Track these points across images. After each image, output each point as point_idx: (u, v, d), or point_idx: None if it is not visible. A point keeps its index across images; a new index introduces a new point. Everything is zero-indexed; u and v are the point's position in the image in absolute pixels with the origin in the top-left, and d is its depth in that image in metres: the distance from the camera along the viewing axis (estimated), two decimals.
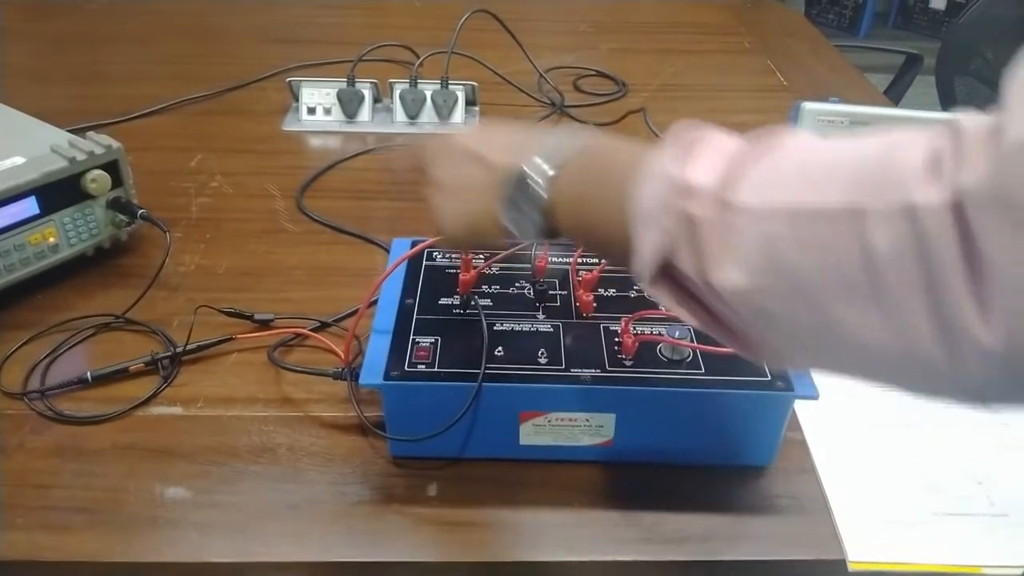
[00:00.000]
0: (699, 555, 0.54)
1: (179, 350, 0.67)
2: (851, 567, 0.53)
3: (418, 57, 1.13)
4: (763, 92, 1.22)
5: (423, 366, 0.57)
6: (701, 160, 0.38)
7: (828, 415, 0.63)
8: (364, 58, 1.08)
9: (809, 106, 0.80)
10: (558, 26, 1.51)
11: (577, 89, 1.22)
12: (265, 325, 0.71)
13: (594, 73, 1.26)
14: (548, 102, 1.15)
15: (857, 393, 0.65)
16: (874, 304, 0.32)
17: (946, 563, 0.53)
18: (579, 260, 0.66)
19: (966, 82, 1.47)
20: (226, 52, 1.37)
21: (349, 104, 1.08)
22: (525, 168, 0.46)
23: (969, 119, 0.31)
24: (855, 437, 0.62)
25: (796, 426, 0.62)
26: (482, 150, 0.50)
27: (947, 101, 1.50)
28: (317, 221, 0.87)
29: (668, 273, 0.40)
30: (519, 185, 0.46)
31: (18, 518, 0.55)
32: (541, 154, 0.46)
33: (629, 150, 0.44)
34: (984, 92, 1.41)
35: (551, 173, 0.45)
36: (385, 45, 1.17)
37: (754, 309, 0.37)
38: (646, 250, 0.39)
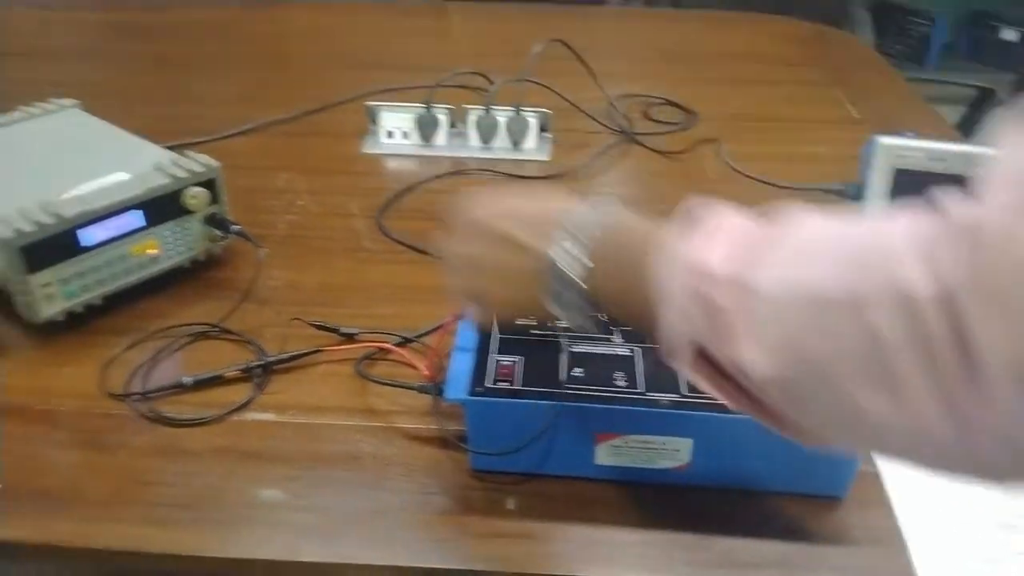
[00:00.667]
0: None
1: (272, 359, 0.71)
2: None
3: (492, 84, 1.16)
4: (834, 124, 1.23)
5: (505, 384, 0.59)
6: (715, 244, 0.40)
7: None
8: (442, 84, 1.12)
9: (885, 141, 0.81)
10: (628, 55, 1.54)
11: (647, 117, 1.24)
12: (350, 339, 0.74)
13: (663, 102, 1.28)
14: (617, 129, 1.18)
15: None
16: (885, 386, 0.34)
17: None
18: None
19: None
20: (306, 76, 1.43)
21: (426, 128, 1.12)
22: (556, 258, 0.48)
23: (954, 203, 0.33)
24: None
25: (870, 459, 0.63)
26: (509, 229, 0.51)
27: None
28: (397, 241, 0.91)
29: (703, 357, 0.42)
30: (557, 276, 0.48)
31: (125, 511, 0.59)
32: (568, 238, 0.48)
33: (645, 228, 0.46)
34: None
35: (587, 264, 0.47)
36: (462, 72, 1.21)
37: (781, 392, 0.39)
38: (672, 334, 0.42)
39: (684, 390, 0.58)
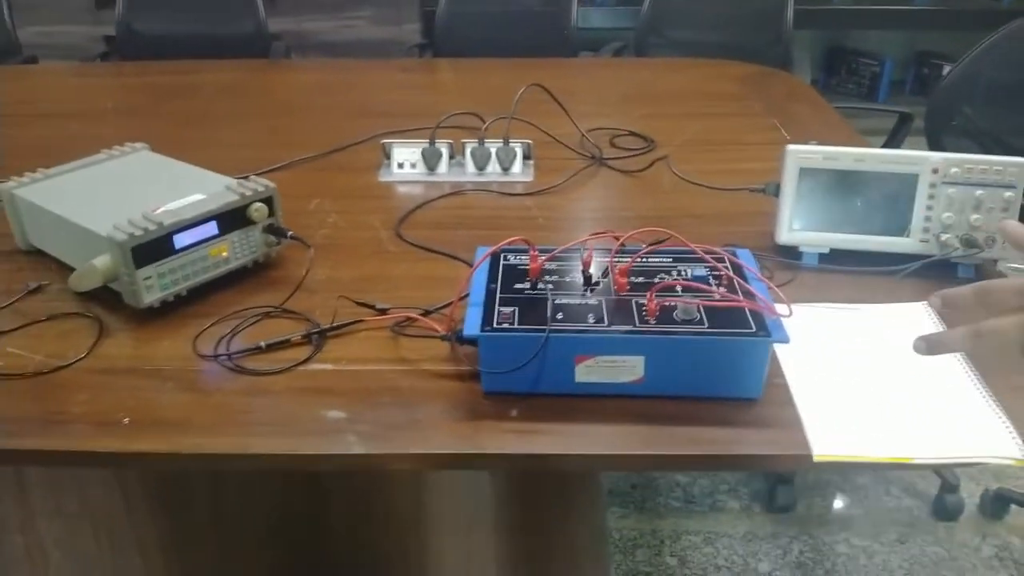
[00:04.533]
0: (708, 451, 0.76)
1: (326, 327, 0.92)
2: (815, 459, 0.74)
3: (484, 122, 1.40)
4: (768, 145, 1.47)
5: (506, 324, 0.80)
6: None
7: (806, 365, 0.85)
8: (442, 125, 1.36)
9: (792, 148, 1.04)
10: (598, 96, 1.79)
11: (613, 145, 1.48)
12: (384, 312, 0.95)
13: (627, 133, 1.52)
14: (589, 156, 1.41)
15: (828, 347, 0.87)
16: None
17: (883, 456, 0.74)
18: (615, 256, 0.89)
19: (952, 138, 1.70)
20: (321, 124, 1.67)
21: (430, 159, 1.35)
22: None
23: None
24: (826, 381, 0.83)
25: (781, 374, 0.84)
26: None
27: None
28: (413, 244, 1.13)
29: None
30: None
31: (228, 430, 0.79)
32: None
33: None
34: (966, 144, 1.64)
35: None
36: (458, 114, 1.45)
37: None
38: None
39: (636, 323, 0.80)
